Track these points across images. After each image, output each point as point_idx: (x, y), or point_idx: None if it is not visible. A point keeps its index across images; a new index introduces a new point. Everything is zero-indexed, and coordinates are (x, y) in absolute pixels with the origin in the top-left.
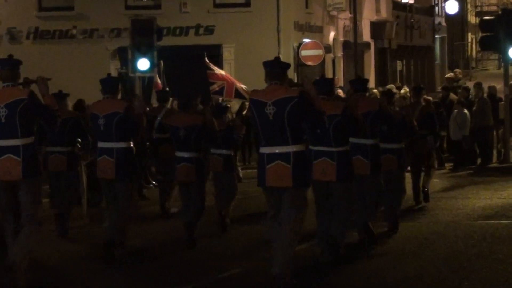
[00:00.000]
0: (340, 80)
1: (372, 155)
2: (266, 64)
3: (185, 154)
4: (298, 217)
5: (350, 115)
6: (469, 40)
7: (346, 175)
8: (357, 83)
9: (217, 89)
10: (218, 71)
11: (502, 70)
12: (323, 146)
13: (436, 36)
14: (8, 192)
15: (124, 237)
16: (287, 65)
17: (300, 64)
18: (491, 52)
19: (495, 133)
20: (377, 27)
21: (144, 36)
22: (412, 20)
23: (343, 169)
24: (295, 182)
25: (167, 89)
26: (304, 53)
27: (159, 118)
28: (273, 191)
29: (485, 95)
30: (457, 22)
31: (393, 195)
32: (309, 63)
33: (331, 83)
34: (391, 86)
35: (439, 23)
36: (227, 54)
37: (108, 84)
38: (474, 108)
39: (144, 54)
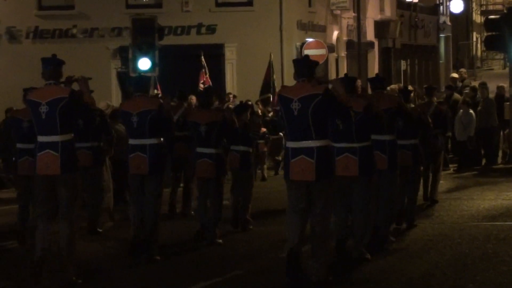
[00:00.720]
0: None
1: (389, 150)
2: (295, 62)
3: (205, 150)
4: (327, 212)
5: (372, 112)
6: (474, 39)
7: (368, 170)
8: (376, 81)
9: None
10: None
11: (507, 69)
12: (345, 143)
13: (441, 35)
14: (47, 187)
15: (157, 232)
16: (315, 63)
17: None
18: (496, 52)
19: (500, 133)
20: (381, 26)
21: (145, 35)
22: (416, 19)
23: (365, 164)
24: (318, 177)
25: (156, 91)
26: (307, 52)
27: (176, 117)
28: (297, 184)
29: (490, 95)
30: (462, 21)
31: (409, 189)
32: None
33: (354, 81)
34: (394, 86)
35: (444, 22)
36: (229, 53)
37: (139, 83)
38: (479, 108)
39: (145, 54)
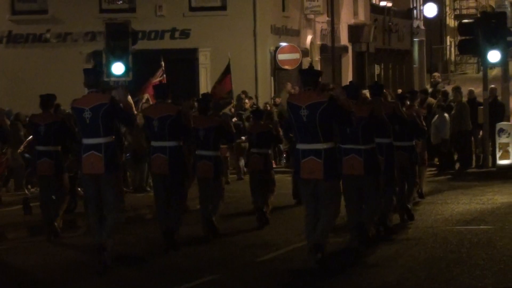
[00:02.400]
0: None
1: (386, 152)
2: (301, 72)
3: (204, 153)
4: (332, 210)
5: (376, 117)
6: (448, 43)
7: (372, 169)
8: (375, 88)
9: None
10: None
11: (481, 73)
12: (352, 144)
13: (415, 39)
14: (93, 185)
15: (180, 224)
16: (319, 73)
17: (277, 68)
18: (470, 56)
19: (474, 137)
20: (354, 31)
21: (118, 39)
22: (390, 23)
23: (370, 164)
24: (326, 175)
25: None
26: (281, 57)
27: None
28: (307, 182)
29: (464, 99)
30: (436, 25)
31: (406, 187)
32: (286, 67)
33: (357, 88)
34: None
35: (418, 27)
36: (203, 58)
37: (160, 90)
38: (452, 112)
39: (118, 58)
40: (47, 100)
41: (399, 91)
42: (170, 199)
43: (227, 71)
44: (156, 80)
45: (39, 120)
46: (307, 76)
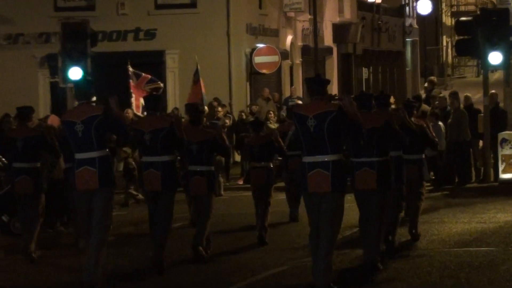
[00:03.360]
0: (297, 90)
1: (396, 166)
2: (307, 80)
3: (197, 168)
4: (336, 225)
5: (391, 128)
6: (444, 44)
7: (383, 183)
8: (381, 99)
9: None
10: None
11: (481, 77)
12: (365, 157)
13: (407, 39)
14: (87, 202)
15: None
16: (327, 81)
17: (253, 73)
18: (469, 58)
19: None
20: (340, 30)
21: (76, 41)
22: (379, 22)
23: (382, 177)
24: (333, 188)
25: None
26: (258, 59)
27: None
28: (313, 197)
29: (461, 105)
30: (431, 24)
31: (413, 203)
32: (264, 71)
33: (370, 97)
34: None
35: (410, 25)
36: (171, 61)
37: (151, 102)
38: (449, 120)
39: (76, 62)
40: (25, 113)
41: (392, 100)
42: (158, 216)
43: (196, 77)
44: (134, 86)
45: (16, 134)
46: (314, 84)
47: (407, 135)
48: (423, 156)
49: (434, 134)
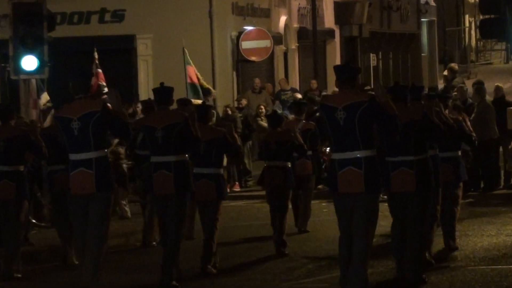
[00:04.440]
0: (291, 81)
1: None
2: (336, 68)
3: (205, 170)
4: (370, 229)
5: (431, 121)
6: (467, 24)
7: (424, 185)
8: (414, 92)
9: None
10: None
11: (511, 64)
12: (402, 156)
13: (423, 19)
14: (82, 208)
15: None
16: (358, 70)
17: (240, 60)
18: (496, 41)
19: (501, 148)
20: (343, 9)
21: (30, 25)
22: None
23: (422, 178)
24: (367, 188)
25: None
26: (246, 45)
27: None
28: (345, 198)
29: (489, 98)
30: (451, 1)
31: (449, 208)
32: (253, 58)
33: (405, 89)
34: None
35: (427, 3)
36: (143, 47)
37: (162, 95)
38: (473, 115)
39: (30, 50)
40: (6, 111)
41: None
42: (169, 223)
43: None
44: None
45: None
46: (343, 73)
47: (447, 130)
48: (459, 153)
49: (471, 129)
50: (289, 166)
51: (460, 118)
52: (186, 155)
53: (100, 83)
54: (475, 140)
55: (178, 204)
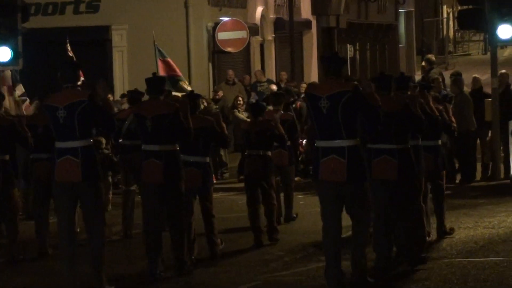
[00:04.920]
0: (267, 72)
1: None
2: (323, 59)
3: (191, 158)
4: (364, 215)
5: (411, 112)
6: (445, 15)
7: (407, 174)
8: (401, 81)
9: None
10: None
11: (488, 55)
12: (383, 144)
13: (400, 10)
14: (67, 196)
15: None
16: (344, 60)
17: (216, 51)
18: (474, 32)
19: (479, 140)
20: (320, 0)
21: (3, 16)
22: None
23: (405, 167)
24: (349, 177)
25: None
26: (222, 36)
27: (127, 122)
28: (327, 185)
29: (466, 89)
30: None
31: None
32: (229, 49)
33: (390, 79)
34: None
35: None
36: (118, 38)
37: (154, 84)
38: (450, 107)
39: (4, 40)
40: None
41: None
42: (168, 214)
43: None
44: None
45: None
46: (330, 63)
47: (428, 121)
48: (440, 142)
49: (453, 119)
50: (269, 155)
51: (440, 108)
52: (176, 145)
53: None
54: (455, 130)
55: (174, 192)
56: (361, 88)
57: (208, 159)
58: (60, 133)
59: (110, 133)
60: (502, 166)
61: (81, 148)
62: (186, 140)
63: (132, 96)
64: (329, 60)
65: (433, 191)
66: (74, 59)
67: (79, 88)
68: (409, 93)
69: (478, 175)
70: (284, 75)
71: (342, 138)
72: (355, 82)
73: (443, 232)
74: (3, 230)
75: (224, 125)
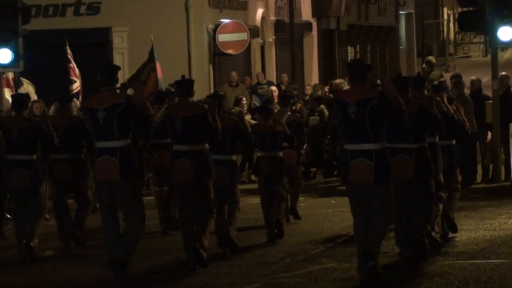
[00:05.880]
0: (268, 74)
1: (431, 153)
2: (349, 65)
3: (219, 157)
4: (386, 216)
5: (428, 112)
6: (445, 17)
7: (424, 172)
8: (417, 81)
9: (75, 90)
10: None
11: (489, 57)
12: (401, 143)
13: (401, 12)
14: (108, 193)
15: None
16: (368, 66)
17: (217, 53)
18: (475, 34)
19: (478, 142)
20: (320, 2)
21: (4, 18)
22: None
23: (421, 165)
24: (377, 179)
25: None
26: (222, 37)
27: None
28: (356, 187)
29: (466, 91)
30: None
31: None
32: (230, 51)
33: (408, 80)
34: (340, 80)
35: None
36: (118, 40)
37: (182, 86)
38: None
39: (5, 43)
40: (21, 102)
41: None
42: (196, 210)
43: (151, 60)
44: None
45: (11, 124)
46: (355, 69)
47: (445, 120)
48: (454, 142)
49: (465, 119)
50: (281, 155)
51: (455, 108)
52: (206, 144)
53: (72, 78)
54: (469, 130)
55: (203, 188)
56: (386, 91)
57: (234, 157)
58: (100, 133)
59: (148, 133)
60: (502, 168)
61: (120, 148)
62: (215, 140)
63: (158, 96)
64: (354, 66)
65: (447, 190)
66: (70, 62)
67: (117, 90)
68: (425, 92)
69: (479, 177)
70: (285, 77)
71: (370, 141)
72: (380, 88)
73: (455, 229)
74: (4, 231)
75: (248, 124)
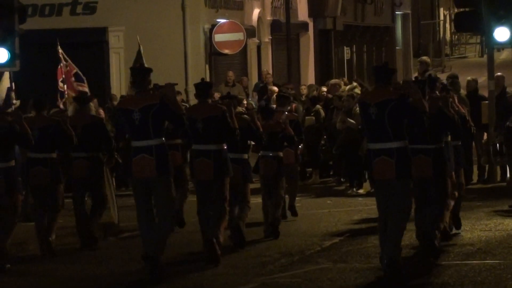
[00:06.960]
0: (266, 73)
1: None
2: (373, 69)
3: (231, 155)
4: (404, 213)
5: (445, 114)
6: (442, 18)
7: (440, 171)
8: (429, 82)
9: (60, 90)
10: (71, 66)
11: (485, 57)
12: (419, 144)
13: (397, 12)
14: (144, 189)
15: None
16: (393, 70)
17: (213, 53)
18: (471, 34)
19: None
20: (317, 2)
21: (0, 17)
22: None
23: (438, 165)
24: (398, 175)
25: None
26: (219, 37)
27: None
28: (381, 184)
29: (462, 91)
30: None
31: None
32: (226, 51)
33: (424, 83)
34: (336, 81)
35: None
36: (115, 40)
37: (201, 88)
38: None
39: (1, 42)
40: (41, 102)
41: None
42: (213, 206)
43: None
44: (64, 72)
45: (32, 123)
46: (380, 72)
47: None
48: (460, 142)
49: (469, 118)
50: (281, 155)
51: (457, 109)
52: (224, 144)
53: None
54: (474, 131)
55: (219, 186)
56: (408, 95)
57: (246, 156)
58: (136, 133)
59: (182, 129)
60: (498, 169)
61: (155, 146)
62: (233, 139)
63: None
64: (380, 69)
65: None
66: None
67: (150, 91)
68: (437, 93)
69: (475, 177)
70: (270, 76)
71: (390, 140)
72: (402, 91)
73: (459, 225)
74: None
75: (259, 123)
